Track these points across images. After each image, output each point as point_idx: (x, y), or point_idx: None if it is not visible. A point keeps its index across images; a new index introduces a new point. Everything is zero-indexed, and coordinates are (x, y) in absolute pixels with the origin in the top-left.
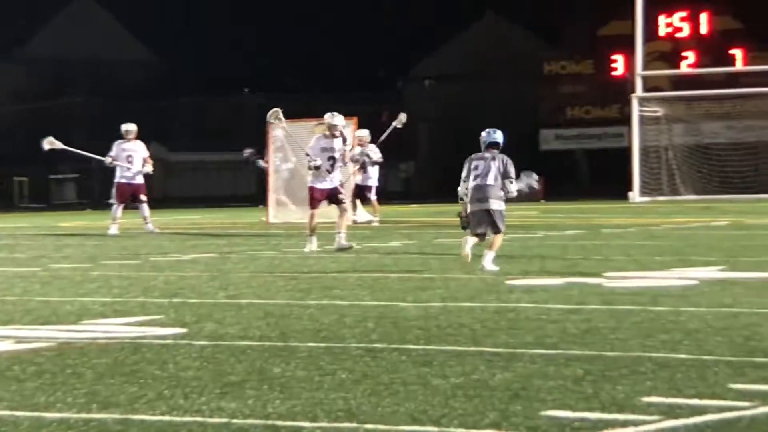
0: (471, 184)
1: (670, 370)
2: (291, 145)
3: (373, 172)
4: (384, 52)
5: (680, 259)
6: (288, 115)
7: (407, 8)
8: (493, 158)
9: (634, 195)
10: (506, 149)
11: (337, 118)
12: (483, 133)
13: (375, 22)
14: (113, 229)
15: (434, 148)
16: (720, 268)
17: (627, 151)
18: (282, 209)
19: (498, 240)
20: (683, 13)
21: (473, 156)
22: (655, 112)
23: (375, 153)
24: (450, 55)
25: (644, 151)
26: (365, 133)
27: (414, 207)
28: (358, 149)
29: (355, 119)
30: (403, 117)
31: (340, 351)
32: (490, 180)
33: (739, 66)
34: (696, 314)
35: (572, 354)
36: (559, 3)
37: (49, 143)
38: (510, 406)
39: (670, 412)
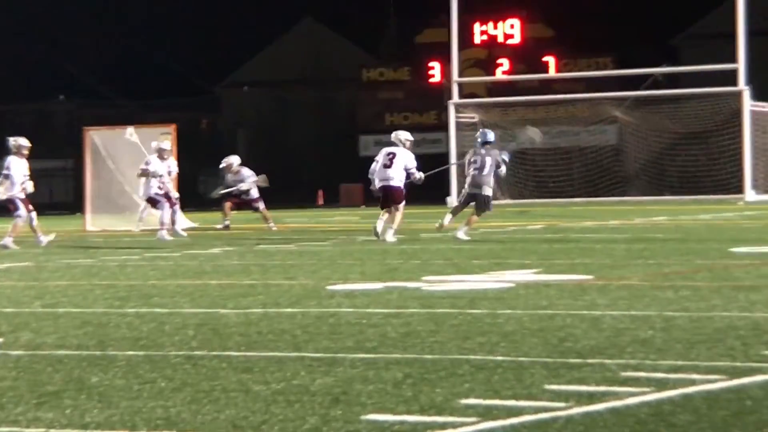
0: (471, 172)
1: (487, 372)
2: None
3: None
4: (201, 57)
5: (497, 263)
6: (103, 123)
7: (224, 13)
8: (488, 154)
9: (452, 200)
10: (326, 155)
11: None
12: (477, 134)
13: (192, 26)
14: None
15: (253, 155)
16: (535, 270)
17: (445, 157)
18: (98, 216)
19: (474, 218)
20: (497, 21)
21: (472, 152)
22: (472, 118)
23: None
24: (268, 61)
25: (461, 157)
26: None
27: (233, 213)
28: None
29: (174, 126)
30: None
31: (160, 359)
32: (485, 171)
33: (551, 73)
34: (512, 316)
35: (392, 358)
36: (375, 10)
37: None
38: (330, 411)
39: (488, 413)
